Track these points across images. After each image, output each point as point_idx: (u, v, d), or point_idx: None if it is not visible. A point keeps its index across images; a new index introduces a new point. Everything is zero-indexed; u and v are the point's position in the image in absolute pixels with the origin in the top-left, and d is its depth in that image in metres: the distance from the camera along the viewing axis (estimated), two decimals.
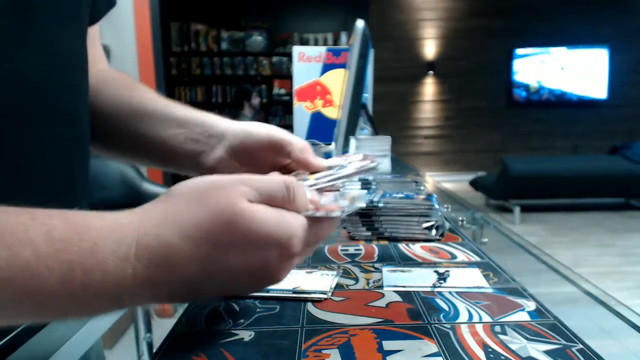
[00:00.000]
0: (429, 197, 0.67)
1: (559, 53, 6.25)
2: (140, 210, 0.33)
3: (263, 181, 0.34)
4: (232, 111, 5.32)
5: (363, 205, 0.42)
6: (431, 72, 6.35)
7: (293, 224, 0.33)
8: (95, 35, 0.58)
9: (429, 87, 6.44)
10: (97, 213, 0.32)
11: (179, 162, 0.53)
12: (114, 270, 0.29)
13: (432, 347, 0.35)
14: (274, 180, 0.34)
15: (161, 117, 0.52)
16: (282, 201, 0.33)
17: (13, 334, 0.37)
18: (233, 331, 0.38)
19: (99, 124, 0.53)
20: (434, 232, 0.63)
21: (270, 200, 0.33)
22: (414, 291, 0.46)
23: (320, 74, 1.47)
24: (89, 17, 0.52)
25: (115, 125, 0.54)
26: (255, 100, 4.48)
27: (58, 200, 0.43)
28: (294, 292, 0.45)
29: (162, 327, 0.52)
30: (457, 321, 0.39)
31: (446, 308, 0.42)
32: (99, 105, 0.53)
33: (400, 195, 0.68)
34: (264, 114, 6.17)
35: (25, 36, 0.39)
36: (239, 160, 0.50)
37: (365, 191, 0.43)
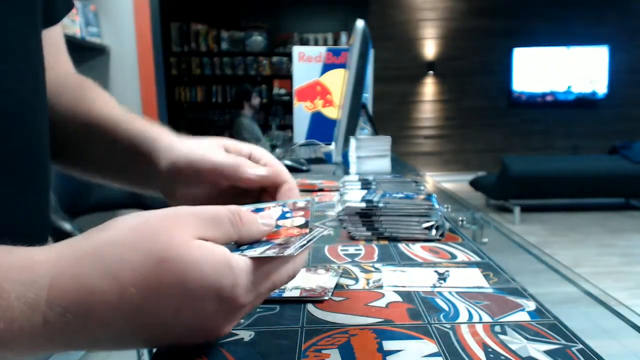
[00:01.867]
0: (429, 197, 0.67)
1: (559, 53, 6.25)
2: (62, 245, 0.28)
3: (207, 211, 0.30)
4: (232, 111, 5.33)
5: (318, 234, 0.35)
6: (431, 72, 6.36)
7: (237, 270, 0.28)
8: (59, 37, 0.54)
9: (429, 87, 6.45)
10: (9, 248, 0.27)
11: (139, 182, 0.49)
12: (20, 318, 0.25)
13: (432, 347, 0.35)
14: (220, 208, 0.31)
15: (123, 129, 0.47)
16: (230, 229, 0.30)
17: None
18: (233, 331, 0.38)
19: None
20: (434, 232, 0.63)
21: (217, 230, 0.29)
22: (414, 291, 0.46)
23: (320, 74, 1.47)
24: (49, 17, 0.49)
25: (63, 138, 0.49)
26: (255, 100, 4.48)
27: (20, 198, 0.41)
28: (294, 293, 0.45)
29: None
30: (457, 321, 0.39)
31: (446, 308, 0.42)
32: (51, 113, 0.49)
33: (400, 195, 0.68)
34: (264, 114, 6.18)
35: None
36: (183, 182, 0.43)
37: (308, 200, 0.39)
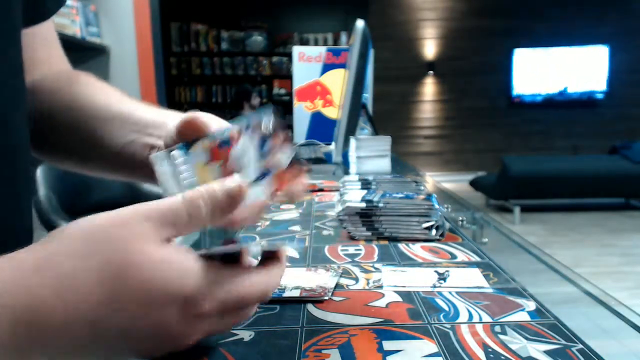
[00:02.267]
0: (429, 197, 0.67)
1: (559, 53, 6.25)
2: (18, 254, 0.26)
3: (160, 208, 0.28)
4: (232, 111, 5.33)
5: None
6: (431, 72, 6.36)
7: (198, 273, 0.27)
8: (51, 32, 0.52)
9: (429, 87, 6.44)
10: None
11: (140, 173, 0.47)
12: None
13: (432, 347, 0.35)
14: (174, 201, 0.28)
15: (120, 121, 0.46)
16: (190, 221, 0.28)
17: None
18: (233, 331, 0.38)
19: (47, 129, 0.48)
20: (434, 232, 0.63)
21: (175, 227, 0.28)
22: (414, 291, 0.46)
23: (320, 74, 1.47)
24: (39, 14, 0.48)
25: (68, 133, 0.48)
26: (255, 101, 4.49)
27: None
28: (294, 293, 0.45)
29: None
30: (457, 321, 0.39)
31: (446, 308, 0.42)
32: (48, 110, 0.48)
33: (400, 195, 0.68)
34: None
35: None
36: None
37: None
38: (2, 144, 0.39)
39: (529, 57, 6.27)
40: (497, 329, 0.38)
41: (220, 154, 0.36)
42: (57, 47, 0.54)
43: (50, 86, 0.50)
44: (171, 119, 0.44)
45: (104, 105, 0.48)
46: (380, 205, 0.65)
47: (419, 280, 0.49)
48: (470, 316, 0.40)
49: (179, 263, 0.27)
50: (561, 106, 6.39)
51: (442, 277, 0.49)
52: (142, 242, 0.26)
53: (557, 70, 6.28)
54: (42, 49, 0.48)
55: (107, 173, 0.51)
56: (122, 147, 0.46)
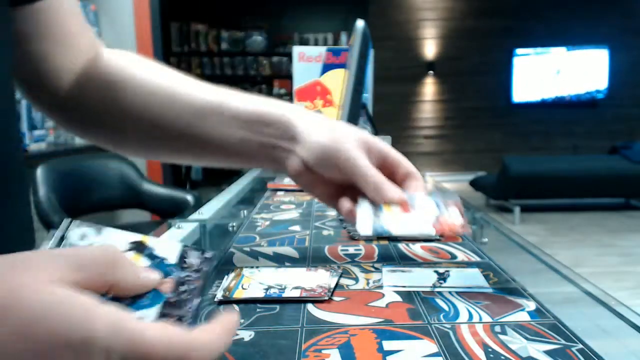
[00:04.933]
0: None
1: (559, 53, 6.25)
2: None
3: (77, 252, 0.24)
4: None
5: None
6: (431, 72, 6.36)
7: (102, 317, 0.21)
8: (73, 2, 0.48)
9: (429, 87, 6.44)
10: None
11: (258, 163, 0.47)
12: None
13: (432, 347, 0.35)
14: (95, 249, 0.25)
15: (218, 115, 0.45)
16: (102, 271, 0.24)
17: None
18: None
19: (130, 126, 0.47)
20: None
21: (83, 272, 0.23)
22: (414, 291, 0.46)
23: (320, 74, 1.47)
24: None
25: (158, 129, 0.47)
26: None
27: None
28: (294, 293, 0.45)
29: None
30: (457, 321, 0.39)
31: (446, 308, 0.42)
32: (131, 105, 0.46)
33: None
34: None
35: None
36: (323, 172, 0.44)
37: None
38: None
39: (529, 57, 6.27)
40: (497, 329, 0.38)
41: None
42: (79, 22, 0.50)
43: (116, 76, 0.48)
44: (295, 118, 0.44)
45: (195, 97, 0.46)
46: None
47: (419, 280, 0.49)
48: (470, 316, 0.40)
49: (81, 305, 0.21)
50: (561, 106, 6.39)
51: (442, 277, 0.49)
52: (35, 282, 0.22)
53: (557, 70, 6.28)
54: (66, 25, 0.46)
55: (221, 164, 0.50)
56: (232, 145, 0.46)
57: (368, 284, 0.48)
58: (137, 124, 0.49)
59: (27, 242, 0.43)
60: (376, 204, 0.44)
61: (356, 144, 0.45)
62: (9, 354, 0.20)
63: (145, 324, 0.23)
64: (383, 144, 0.46)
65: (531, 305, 0.42)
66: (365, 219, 0.43)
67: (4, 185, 0.40)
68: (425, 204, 0.43)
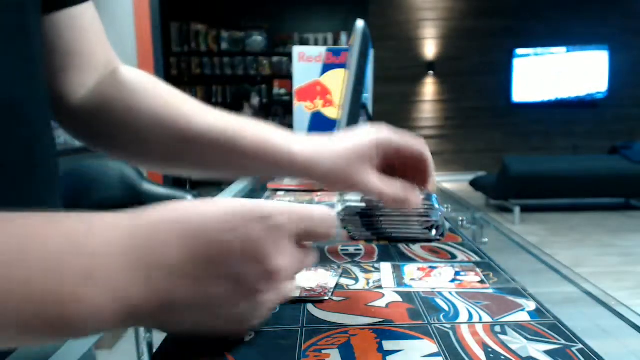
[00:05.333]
0: (428, 197, 0.67)
1: (559, 53, 6.25)
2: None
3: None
4: (232, 111, 5.32)
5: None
6: (431, 72, 6.35)
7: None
8: (90, 20, 0.49)
9: (429, 87, 6.44)
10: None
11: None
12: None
13: (432, 347, 0.35)
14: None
15: (236, 154, 0.47)
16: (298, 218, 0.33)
17: None
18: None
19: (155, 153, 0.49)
20: (434, 232, 0.63)
21: (285, 213, 0.32)
22: (414, 291, 0.46)
23: (320, 74, 1.47)
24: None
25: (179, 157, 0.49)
26: (255, 100, 4.49)
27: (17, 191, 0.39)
28: (294, 293, 0.45)
29: None
30: (457, 321, 0.39)
31: (446, 308, 0.42)
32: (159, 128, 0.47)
33: None
34: (264, 114, 6.17)
35: None
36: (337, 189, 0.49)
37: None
38: (18, 134, 0.38)
39: (529, 57, 6.27)
40: (497, 329, 0.38)
41: None
42: (100, 35, 0.52)
43: (132, 91, 0.48)
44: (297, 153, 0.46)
45: (210, 130, 0.47)
46: (380, 204, 0.65)
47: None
48: (470, 316, 0.40)
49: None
50: (561, 106, 6.39)
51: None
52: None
53: (557, 70, 6.28)
54: (86, 38, 0.48)
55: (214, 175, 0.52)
56: (252, 172, 0.49)
57: (368, 284, 0.48)
58: (157, 136, 0.49)
59: None
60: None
61: (362, 165, 0.45)
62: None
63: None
64: (392, 138, 0.46)
65: (531, 305, 0.42)
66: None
67: (29, 174, 0.41)
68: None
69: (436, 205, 0.64)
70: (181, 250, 0.28)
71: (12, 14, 0.37)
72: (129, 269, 0.27)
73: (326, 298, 0.44)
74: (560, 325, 0.38)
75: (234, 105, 4.70)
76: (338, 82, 1.45)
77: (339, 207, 0.69)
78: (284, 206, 0.32)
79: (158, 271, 0.28)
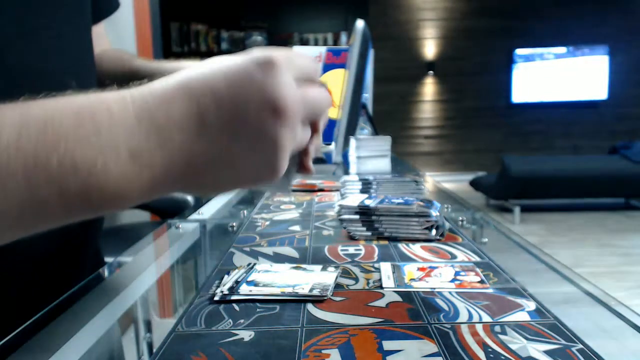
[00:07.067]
0: (427, 203, 0.67)
1: (559, 53, 6.25)
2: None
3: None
4: None
5: None
6: (431, 72, 6.35)
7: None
8: (101, 33, 0.68)
9: (429, 87, 6.44)
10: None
11: None
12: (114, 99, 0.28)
13: (432, 347, 0.35)
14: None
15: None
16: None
17: (13, 334, 0.37)
18: (233, 331, 0.38)
19: None
20: (434, 232, 0.63)
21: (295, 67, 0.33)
22: (414, 291, 0.46)
23: (320, 74, 1.46)
24: (93, 16, 0.57)
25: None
26: None
27: None
28: (294, 293, 0.45)
29: (162, 327, 0.52)
30: (457, 321, 0.39)
31: (446, 308, 0.42)
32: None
33: (399, 200, 0.68)
34: None
35: (35, 29, 0.43)
36: None
37: None
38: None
39: (529, 57, 6.27)
40: (497, 329, 0.38)
41: None
42: (107, 42, 0.72)
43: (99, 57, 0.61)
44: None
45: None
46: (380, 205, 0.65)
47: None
48: (470, 316, 0.40)
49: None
50: (561, 106, 6.39)
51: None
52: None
53: (557, 70, 6.27)
54: (97, 43, 0.59)
55: None
56: None
57: (368, 284, 0.48)
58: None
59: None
60: None
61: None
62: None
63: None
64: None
65: (531, 305, 0.42)
66: None
67: None
68: None
69: (435, 213, 0.64)
70: (191, 110, 0.29)
71: (85, 29, 0.54)
72: (147, 134, 0.28)
73: (326, 298, 0.44)
74: (560, 325, 0.38)
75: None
76: (338, 82, 1.45)
77: (339, 207, 0.69)
78: (275, 51, 0.32)
79: (173, 133, 0.29)
